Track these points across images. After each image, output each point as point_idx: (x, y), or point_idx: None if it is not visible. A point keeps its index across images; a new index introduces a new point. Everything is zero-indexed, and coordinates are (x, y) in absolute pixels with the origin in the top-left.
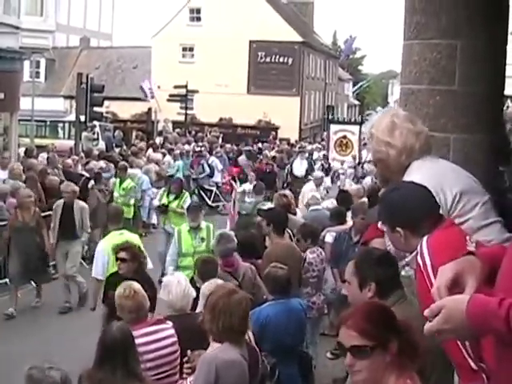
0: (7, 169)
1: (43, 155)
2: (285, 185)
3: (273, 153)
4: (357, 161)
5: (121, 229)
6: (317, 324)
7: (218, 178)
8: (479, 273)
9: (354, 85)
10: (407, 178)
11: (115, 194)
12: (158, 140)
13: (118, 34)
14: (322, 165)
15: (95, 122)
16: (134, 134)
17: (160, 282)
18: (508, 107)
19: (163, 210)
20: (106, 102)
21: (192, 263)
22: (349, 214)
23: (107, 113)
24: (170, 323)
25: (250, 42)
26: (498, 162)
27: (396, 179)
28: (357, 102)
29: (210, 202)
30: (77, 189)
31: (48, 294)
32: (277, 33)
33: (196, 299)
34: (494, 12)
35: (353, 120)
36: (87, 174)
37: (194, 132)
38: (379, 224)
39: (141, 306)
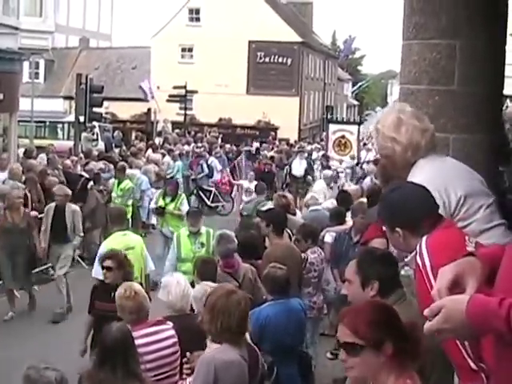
0: (6, 170)
1: (42, 156)
2: (284, 185)
3: (271, 153)
4: (355, 161)
5: (124, 229)
6: (317, 324)
7: (217, 178)
8: (479, 273)
9: (353, 85)
10: (412, 176)
11: (113, 195)
12: (158, 140)
13: (117, 34)
14: (322, 164)
15: (94, 123)
16: (134, 134)
17: (156, 284)
18: (507, 107)
19: (160, 212)
20: (106, 103)
21: (191, 269)
22: (349, 214)
23: (106, 113)
24: (170, 324)
25: (250, 42)
26: (498, 161)
27: (402, 175)
28: (356, 102)
29: (209, 203)
30: (69, 192)
31: (45, 296)
32: (276, 33)
33: None
34: (493, 12)
35: (351, 120)
36: (87, 175)
37: (193, 132)
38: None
39: (141, 306)
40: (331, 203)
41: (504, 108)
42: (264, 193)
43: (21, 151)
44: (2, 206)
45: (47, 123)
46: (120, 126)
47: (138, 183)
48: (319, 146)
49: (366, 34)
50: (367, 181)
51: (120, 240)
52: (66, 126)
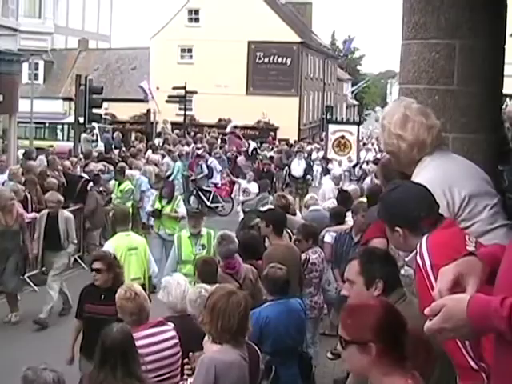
0: (6, 171)
1: (41, 158)
2: (283, 186)
3: (271, 153)
4: (354, 161)
5: (127, 230)
6: (317, 324)
7: (216, 179)
8: (480, 273)
9: (352, 85)
10: (417, 173)
11: (113, 196)
12: (157, 141)
13: (116, 35)
14: (322, 164)
15: (94, 124)
16: (133, 135)
17: (154, 287)
18: (507, 106)
19: (157, 215)
20: (105, 104)
21: (192, 271)
22: (349, 214)
23: (106, 114)
24: (171, 325)
25: (249, 42)
26: (497, 161)
27: (406, 172)
28: (355, 102)
29: (208, 203)
30: (62, 198)
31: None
32: (275, 33)
33: None
34: (492, 11)
35: (351, 120)
36: (87, 176)
37: (192, 133)
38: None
39: (142, 307)
40: (332, 203)
41: (504, 107)
42: (267, 189)
43: (20, 152)
44: None
45: (47, 124)
46: (119, 127)
47: (137, 184)
48: (318, 146)
49: (366, 33)
50: (367, 181)
51: (123, 240)
52: (65, 127)
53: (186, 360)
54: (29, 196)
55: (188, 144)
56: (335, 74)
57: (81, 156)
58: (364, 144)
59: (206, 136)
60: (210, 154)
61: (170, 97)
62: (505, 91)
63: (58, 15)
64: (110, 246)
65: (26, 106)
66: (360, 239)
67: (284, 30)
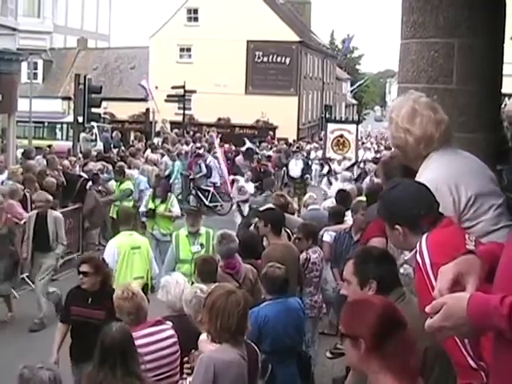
0: (5, 171)
1: (38, 158)
2: (282, 186)
3: (270, 152)
4: (352, 161)
5: (131, 230)
6: (316, 323)
7: (215, 178)
8: (479, 271)
9: (351, 84)
10: (424, 170)
11: (113, 196)
12: (156, 140)
13: (115, 34)
14: (322, 164)
15: (93, 123)
16: (133, 134)
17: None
18: (506, 105)
19: (150, 214)
20: (104, 103)
21: (190, 270)
22: (348, 213)
23: (105, 114)
24: (169, 323)
25: (248, 41)
26: (496, 160)
27: (413, 167)
28: (355, 102)
29: (207, 203)
30: (51, 198)
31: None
32: (274, 33)
33: None
34: (491, 10)
35: (350, 119)
36: (86, 176)
37: (191, 132)
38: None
39: (140, 307)
40: (331, 202)
41: (503, 106)
42: (272, 187)
43: (19, 152)
44: None
45: (46, 124)
46: (118, 127)
47: (136, 183)
48: (317, 146)
49: (365, 33)
50: (366, 180)
51: (127, 239)
52: (64, 126)
53: (185, 359)
54: (28, 195)
55: (187, 143)
56: (334, 74)
57: (80, 155)
58: (363, 143)
59: (204, 135)
60: (208, 153)
61: (169, 96)
62: (504, 90)
63: (56, 14)
64: (113, 245)
65: (25, 105)
66: (359, 238)
67: (283, 29)
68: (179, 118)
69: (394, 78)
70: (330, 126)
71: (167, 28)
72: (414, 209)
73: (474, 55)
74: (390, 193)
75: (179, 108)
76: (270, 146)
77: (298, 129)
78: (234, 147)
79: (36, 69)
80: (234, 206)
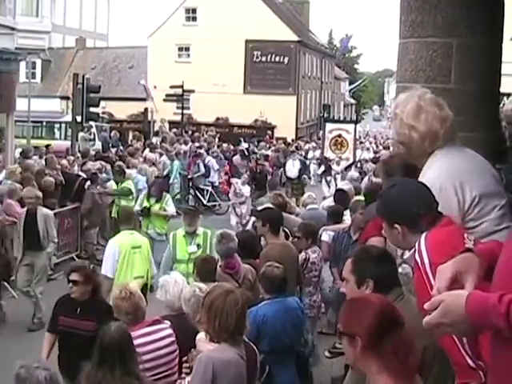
0: (3, 170)
1: (35, 158)
2: (280, 186)
3: (268, 152)
4: (350, 161)
5: (131, 229)
6: (315, 323)
7: (214, 177)
8: (477, 270)
9: (350, 83)
10: (428, 167)
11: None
12: (155, 140)
13: (113, 34)
14: (319, 164)
15: (91, 123)
16: (131, 134)
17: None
18: (504, 105)
19: (145, 213)
20: (103, 103)
21: (186, 270)
22: (346, 213)
23: (103, 113)
24: (167, 323)
25: (246, 41)
26: (495, 159)
27: (417, 164)
28: (353, 101)
29: (205, 202)
30: (40, 194)
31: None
32: (273, 32)
33: None
34: (489, 10)
35: (348, 119)
36: (84, 175)
37: (190, 132)
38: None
39: (138, 307)
40: (331, 201)
41: (501, 105)
42: (277, 188)
43: (18, 151)
44: None
45: (44, 123)
46: (117, 126)
47: (134, 183)
48: (315, 145)
49: (363, 32)
50: (365, 179)
51: (127, 238)
52: (63, 125)
53: (184, 358)
54: None
55: (186, 143)
56: (333, 73)
57: (78, 155)
58: (361, 143)
59: (203, 135)
60: (207, 153)
61: (167, 95)
62: (502, 90)
63: (55, 14)
64: (113, 244)
65: (24, 104)
66: (358, 237)
67: (281, 28)
68: (178, 118)
69: (393, 78)
70: (328, 126)
71: (165, 27)
72: (414, 208)
73: (473, 55)
74: (389, 192)
75: (178, 107)
76: (268, 146)
77: (297, 128)
78: (232, 147)
79: (34, 68)
80: (230, 208)
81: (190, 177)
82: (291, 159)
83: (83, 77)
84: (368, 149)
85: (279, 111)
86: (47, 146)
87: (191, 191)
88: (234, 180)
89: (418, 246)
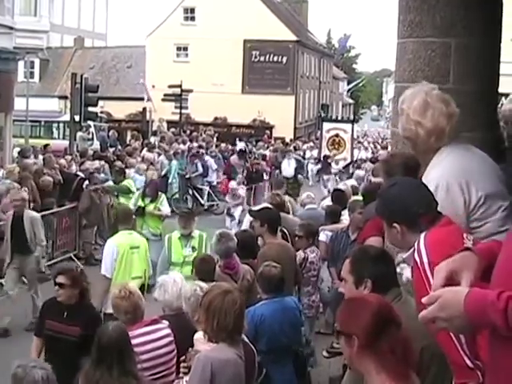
0: (1, 170)
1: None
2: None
3: (266, 152)
4: (348, 161)
5: (129, 229)
6: (313, 323)
7: (212, 177)
8: (475, 268)
9: (348, 83)
10: (434, 164)
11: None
12: (153, 139)
13: (112, 33)
14: (317, 163)
15: (90, 122)
16: (130, 133)
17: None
18: (502, 105)
19: (140, 212)
20: (101, 102)
21: (181, 273)
22: (344, 212)
23: (102, 113)
24: (166, 323)
25: (245, 41)
26: (493, 159)
27: (422, 159)
28: (351, 101)
29: (203, 202)
30: (26, 196)
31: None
32: (271, 32)
33: None
34: (487, 10)
35: (345, 118)
36: (82, 175)
37: (188, 131)
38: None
39: (137, 306)
40: (330, 201)
41: (499, 106)
42: (282, 187)
43: (16, 151)
44: None
45: (42, 123)
46: (115, 126)
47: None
48: (312, 145)
49: (361, 32)
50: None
51: (126, 238)
52: (61, 125)
53: (182, 358)
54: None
55: (184, 142)
56: (331, 73)
57: (76, 153)
58: (359, 142)
59: (201, 134)
60: (205, 153)
61: (165, 95)
62: (501, 90)
63: (53, 13)
64: (112, 244)
65: (22, 104)
66: (357, 237)
67: (280, 28)
68: (176, 117)
69: (391, 78)
70: (326, 125)
71: (164, 27)
72: (413, 207)
73: (471, 55)
74: (389, 191)
75: (176, 107)
76: (266, 146)
77: (295, 128)
78: (230, 146)
79: (33, 68)
80: (225, 210)
81: (188, 176)
82: (287, 158)
83: (81, 76)
84: (366, 148)
85: (277, 111)
86: (45, 146)
87: (189, 191)
88: (230, 183)
89: (417, 245)
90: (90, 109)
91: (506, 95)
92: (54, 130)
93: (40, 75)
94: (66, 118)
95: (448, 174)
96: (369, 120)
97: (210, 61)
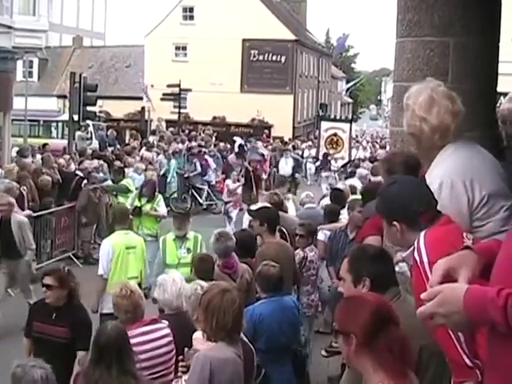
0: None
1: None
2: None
3: (265, 151)
4: (346, 160)
5: (126, 229)
6: (312, 322)
7: (211, 177)
8: (474, 265)
9: (347, 83)
10: (439, 162)
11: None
12: (152, 139)
13: (110, 33)
14: (315, 162)
15: (88, 122)
16: (128, 133)
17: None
18: (501, 104)
19: (137, 212)
20: (100, 101)
21: None
22: (343, 212)
23: (100, 112)
24: (165, 322)
25: (243, 40)
26: None
27: (426, 156)
28: (350, 100)
29: (202, 201)
30: (13, 201)
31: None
32: (270, 31)
33: None
34: (485, 9)
35: (344, 118)
36: (81, 174)
37: (187, 131)
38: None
39: (137, 305)
40: (329, 200)
41: (498, 105)
42: (285, 185)
43: (14, 150)
44: None
45: (41, 122)
46: (114, 125)
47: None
48: (311, 144)
49: (360, 31)
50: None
51: (122, 238)
52: (59, 124)
53: (180, 357)
54: (24, 193)
55: (182, 142)
56: (330, 72)
57: (75, 152)
58: (357, 142)
59: (200, 134)
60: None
61: (164, 94)
62: (499, 89)
63: (52, 13)
64: (108, 244)
65: (21, 103)
66: (355, 236)
67: (278, 27)
68: (175, 117)
69: (390, 77)
70: (324, 125)
71: (163, 26)
72: (413, 205)
73: (469, 54)
74: (389, 189)
75: (175, 106)
76: (265, 145)
77: (294, 127)
78: (229, 146)
79: (31, 67)
80: (222, 208)
81: (186, 176)
82: (284, 157)
83: (80, 76)
84: (365, 148)
85: (276, 110)
86: (44, 145)
87: (188, 190)
88: (226, 182)
89: (417, 244)
90: (89, 108)
91: (505, 94)
92: (53, 129)
93: (39, 74)
94: (65, 117)
95: (452, 171)
96: (367, 119)
97: (208, 60)
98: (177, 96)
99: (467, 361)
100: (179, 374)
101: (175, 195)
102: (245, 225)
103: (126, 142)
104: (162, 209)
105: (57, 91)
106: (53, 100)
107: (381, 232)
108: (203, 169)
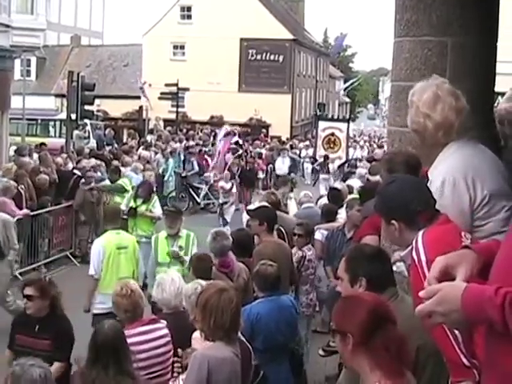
0: None
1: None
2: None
3: (262, 150)
4: (343, 159)
5: (118, 228)
6: (310, 321)
7: (209, 176)
8: (472, 264)
9: (344, 82)
10: (442, 160)
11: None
12: (149, 138)
13: (108, 32)
14: (313, 162)
15: (86, 121)
16: (126, 132)
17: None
18: (499, 104)
19: (132, 213)
20: (97, 100)
21: None
22: (341, 211)
23: (98, 111)
24: (164, 322)
25: (241, 39)
26: None
27: (429, 154)
28: (348, 100)
29: (199, 200)
30: None
31: None
32: (268, 30)
33: None
34: (483, 9)
35: (341, 117)
36: (79, 173)
37: (185, 130)
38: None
39: (137, 304)
40: (326, 200)
41: (495, 105)
42: (287, 185)
43: (12, 149)
44: None
45: (39, 121)
46: (112, 124)
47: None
48: (308, 144)
49: (358, 31)
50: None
51: (113, 238)
52: (57, 123)
53: (175, 358)
54: (22, 192)
55: (180, 141)
56: (327, 72)
57: (72, 152)
58: (355, 141)
59: (198, 133)
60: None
61: (162, 94)
62: (497, 89)
63: (50, 12)
64: (98, 244)
65: (18, 102)
66: (353, 235)
67: (276, 27)
68: (172, 116)
69: (388, 77)
70: (322, 124)
71: (160, 25)
72: (412, 204)
73: (467, 53)
74: (388, 188)
75: (172, 106)
76: (263, 144)
77: (291, 127)
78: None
79: (29, 66)
80: (218, 209)
81: (184, 175)
82: (281, 157)
83: (78, 74)
84: (362, 147)
85: (274, 110)
86: (41, 144)
87: (186, 189)
88: (220, 182)
89: (415, 243)
90: (87, 107)
91: (503, 94)
92: (51, 128)
93: (37, 73)
94: (63, 116)
95: (455, 169)
96: (365, 119)
97: (206, 59)
98: (175, 95)
99: (465, 360)
100: (175, 374)
101: (173, 194)
102: (243, 224)
103: (124, 141)
104: (158, 210)
105: (54, 90)
106: (50, 99)
107: (378, 232)
108: (201, 168)
